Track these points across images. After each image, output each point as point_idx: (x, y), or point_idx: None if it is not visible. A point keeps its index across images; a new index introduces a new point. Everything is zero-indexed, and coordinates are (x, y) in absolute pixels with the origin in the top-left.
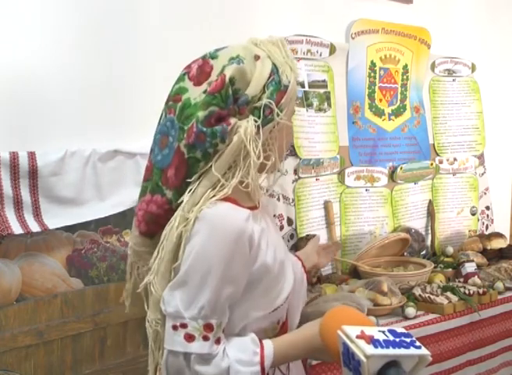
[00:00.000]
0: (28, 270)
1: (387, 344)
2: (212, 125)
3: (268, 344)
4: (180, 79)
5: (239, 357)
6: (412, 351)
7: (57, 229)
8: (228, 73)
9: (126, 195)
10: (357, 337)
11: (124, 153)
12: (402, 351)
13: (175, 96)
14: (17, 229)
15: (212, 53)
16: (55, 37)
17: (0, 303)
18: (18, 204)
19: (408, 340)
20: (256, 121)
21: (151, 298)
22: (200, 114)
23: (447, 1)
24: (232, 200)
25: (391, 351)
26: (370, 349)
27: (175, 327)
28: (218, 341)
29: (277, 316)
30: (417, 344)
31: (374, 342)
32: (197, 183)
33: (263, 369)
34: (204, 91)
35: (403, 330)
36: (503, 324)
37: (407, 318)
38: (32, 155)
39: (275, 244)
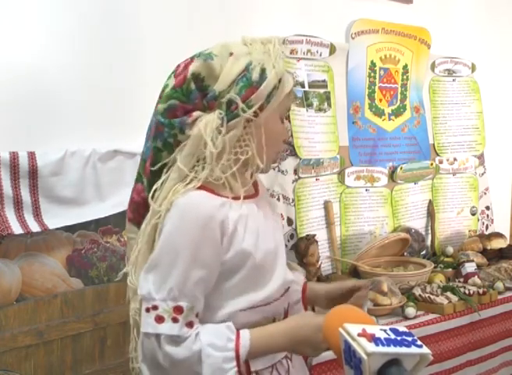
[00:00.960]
0: (28, 270)
1: (388, 342)
2: (175, 117)
3: (245, 332)
4: (169, 76)
5: (212, 341)
6: (413, 349)
7: (57, 229)
8: (191, 68)
9: (126, 195)
10: (359, 335)
11: (124, 153)
12: (403, 349)
13: (161, 92)
14: (17, 229)
15: (199, 52)
16: (55, 38)
17: (0, 303)
18: (18, 204)
19: (410, 339)
20: (220, 114)
21: (131, 288)
22: (160, 106)
23: (447, 1)
24: (208, 189)
25: (392, 349)
26: (371, 347)
27: (147, 310)
28: (189, 325)
29: (271, 312)
30: (419, 343)
31: (375, 340)
32: (167, 175)
33: (238, 356)
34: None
35: (405, 329)
36: (503, 324)
37: (407, 318)
38: (32, 155)
39: (262, 233)
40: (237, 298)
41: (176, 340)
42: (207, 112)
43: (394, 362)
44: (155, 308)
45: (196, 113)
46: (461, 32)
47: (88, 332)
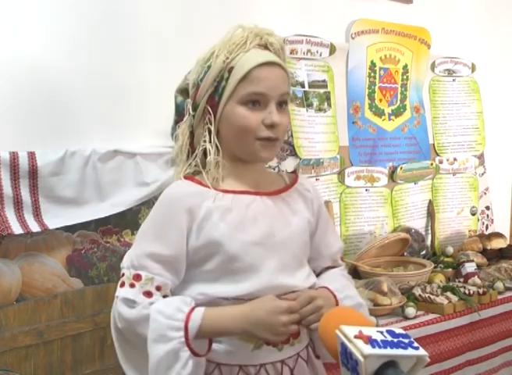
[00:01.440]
0: (28, 270)
1: (385, 344)
2: None
3: (199, 309)
4: None
5: (161, 308)
6: (410, 351)
7: (57, 229)
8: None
9: (126, 195)
10: (355, 336)
11: (124, 153)
12: (399, 351)
13: None
14: (17, 229)
15: None
16: (55, 38)
17: (0, 303)
18: (18, 204)
19: (406, 340)
20: (193, 119)
21: None
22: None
23: (447, 1)
24: (195, 180)
25: (388, 351)
26: (368, 349)
27: (120, 277)
28: (147, 294)
29: None
30: (415, 345)
31: (372, 342)
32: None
33: (186, 329)
34: None
35: (402, 331)
36: (502, 324)
37: (406, 318)
38: (32, 155)
39: (247, 226)
40: (214, 285)
41: (130, 304)
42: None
43: (391, 364)
44: (122, 275)
45: (181, 123)
46: (461, 32)
47: (88, 332)
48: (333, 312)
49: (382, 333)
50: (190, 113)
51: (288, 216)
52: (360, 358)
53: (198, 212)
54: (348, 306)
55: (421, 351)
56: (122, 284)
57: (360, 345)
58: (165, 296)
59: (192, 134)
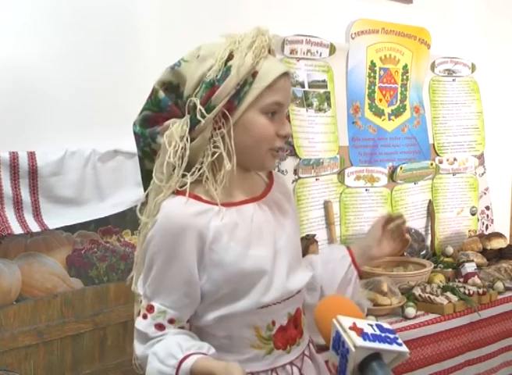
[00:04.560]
0: (28, 270)
1: (374, 338)
2: (150, 127)
3: (191, 359)
4: None
5: (157, 351)
6: (394, 347)
7: (57, 229)
8: (158, 78)
9: (126, 195)
10: (350, 328)
11: (124, 153)
12: (386, 346)
13: None
14: (17, 229)
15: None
16: (55, 37)
17: (0, 303)
18: (18, 204)
19: (392, 336)
20: (191, 120)
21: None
22: (137, 117)
23: (447, 2)
24: (191, 195)
25: (377, 345)
26: (360, 341)
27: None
28: (159, 327)
29: (269, 315)
30: (399, 341)
31: (363, 335)
32: (150, 187)
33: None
34: None
35: (389, 327)
36: (502, 324)
37: (406, 318)
38: (32, 155)
39: (255, 241)
40: (226, 306)
41: (143, 337)
42: (185, 117)
43: (376, 355)
44: (140, 302)
45: (168, 122)
46: (461, 32)
47: (88, 332)
48: (330, 299)
49: (372, 326)
50: (201, 115)
51: (280, 219)
52: (352, 348)
53: (207, 234)
54: (343, 296)
55: (404, 348)
56: (138, 313)
57: (353, 337)
58: (181, 328)
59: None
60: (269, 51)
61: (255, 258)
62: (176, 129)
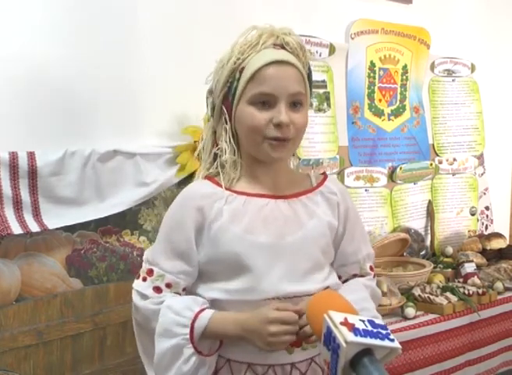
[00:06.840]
0: (27, 270)
1: (365, 333)
2: None
3: (209, 311)
4: None
5: (171, 304)
6: (386, 343)
7: (56, 229)
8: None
9: (125, 195)
10: (341, 323)
11: (124, 153)
12: (378, 341)
13: None
14: (17, 229)
15: None
16: (55, 38)
17: (0, 303)
18: (17, 204)
19: (384, 332)
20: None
21: None
22: None
23: (447, 2)
24: (213, 179)
25: (368, 340)
26: (350, 336)
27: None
28: (156, 289)
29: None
30: (392, 337)
31: (354, 330)
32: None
33: (192, 327)
34: None
35: (381, 322)
36: (502, 324)
37: (406, 318)
38: (32, 155)
39: (258, 229)
40: (230, 287)
41: (141, 295)
42: None
43: (367, 351)
44: (141, 266)
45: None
46: (461, 32)
47: (88, 332)
48: (323, 294)
49: (363, 322)
50: (212, 114)
51: (303, 218)
52: (343, 343)
53: (209, 212)
54: (336, 292)
55: (396, 344)
56: (138, 276)
57: (344, 332)
58: (176, 294)
59: (215, 134)
60: (282, 47)
61: (249, 243)
62: (206, 127)
